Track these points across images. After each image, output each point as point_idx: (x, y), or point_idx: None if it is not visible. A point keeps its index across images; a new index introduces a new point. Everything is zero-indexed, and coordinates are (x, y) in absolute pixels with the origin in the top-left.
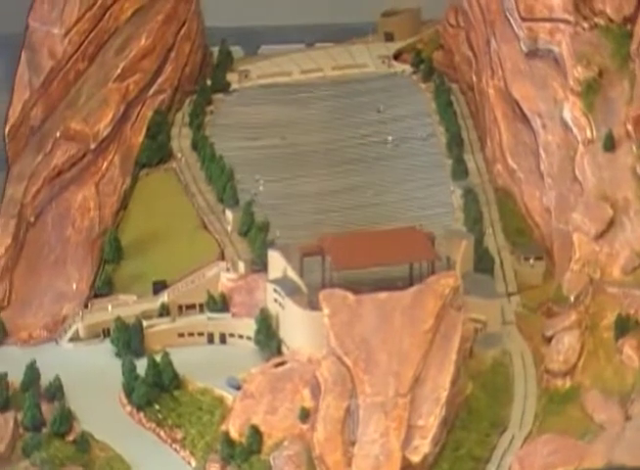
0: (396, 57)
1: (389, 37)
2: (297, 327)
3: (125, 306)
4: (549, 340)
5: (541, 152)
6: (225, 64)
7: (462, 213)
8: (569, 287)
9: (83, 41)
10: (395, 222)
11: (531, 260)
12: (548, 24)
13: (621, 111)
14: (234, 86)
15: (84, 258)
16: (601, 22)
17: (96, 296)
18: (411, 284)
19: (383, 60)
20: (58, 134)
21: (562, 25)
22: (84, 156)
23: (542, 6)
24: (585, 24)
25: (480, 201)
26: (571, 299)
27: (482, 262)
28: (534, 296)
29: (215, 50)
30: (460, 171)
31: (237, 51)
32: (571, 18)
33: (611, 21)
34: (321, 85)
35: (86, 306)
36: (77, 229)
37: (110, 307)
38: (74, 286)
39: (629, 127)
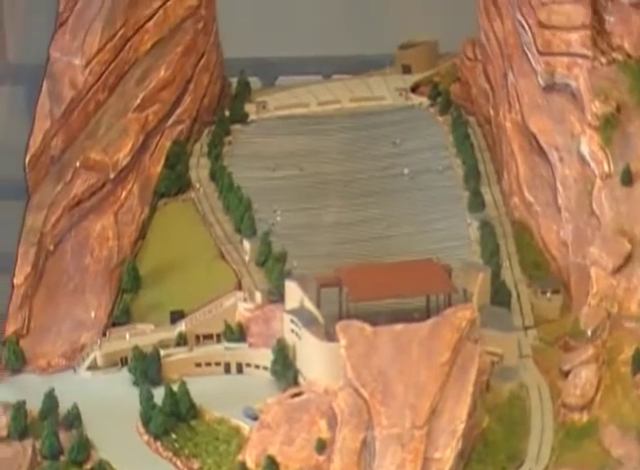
0: (414, 89)
1: (407, 70)
2: (314, 358)
3: (143, 336)
4: (566, 374)
5: (558, 185)
6: (243, 95)
7: (479, 246)
8: (586, 321)
9: (104, 72)
10: (412, 254)
11: (548, 294)
12: (566, 59)
13: (639, 146)
14: (252, 117)
15: (103, 287)
16: (619, 57)
17: (114, 324)
18: (428, 316)
19: (400, 92)
20: (78, 164)
21: (579, 60)
22: (103, 185)
23: (560, 41)
24: (603, 59)
25: (496, 233)
26: (589, 333)
27: (499, 295)
28: (551, 329)
29: (234, 81)
30: (477, 204)
31: (255, 82)
32: (588, 53)
33: (629, 56)
34: (338, 117)
35: (104, 335)
36: (96, 258)
37: (127, 336)
38: (93, 314)
39: None
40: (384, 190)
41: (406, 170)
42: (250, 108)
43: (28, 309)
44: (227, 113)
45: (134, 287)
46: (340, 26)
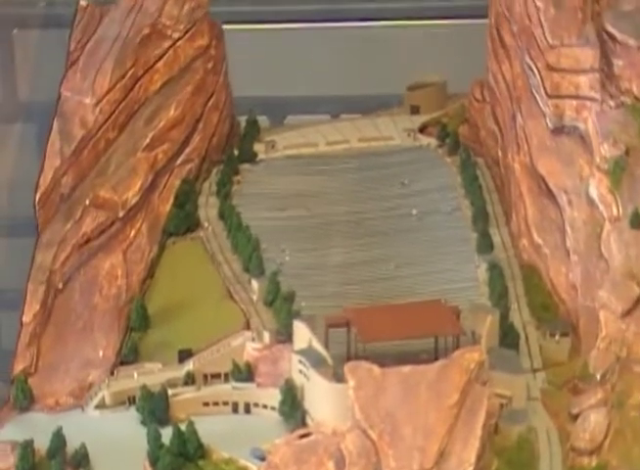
0: (422, 130)
1: (415, 110)
2: (322, 399)
3: (151, 374)
4: (575, 417)
5: (567, 228)
6: (252, 134)
7: (487, 288)
8: (595, 365)
9: (114, 111)
10: (420, 296)
11: (557, 337)
12: (574, 102)
13: None
14: (261, 156)
15: (111, 326)
16: (627, 100)
17: (122, 363)
18: (436, 358)
19: (408, 133)
20: (87, 202)
21: (588, 103)
22: (113, 224)
23: (568, 83)
24: (612, 103)
25: (505, 275)
26: (598, 377)
27: (508, 337)
28: (560, 372)
29: (242, 119)
30: (485, 245)
31: (263, 120)
32: (597, 95)
33: (637, 99)
34: (347, 157)
35: (112, 374)
36: (105, 296)
37: (135, 375)
38: (101, 353)
39: None
40: (392, 230)
41: (414, 211)
42: (259, 147)
43: (37, 348)
44: (236, 152)
45: (142, 326)
46: (348, 66)
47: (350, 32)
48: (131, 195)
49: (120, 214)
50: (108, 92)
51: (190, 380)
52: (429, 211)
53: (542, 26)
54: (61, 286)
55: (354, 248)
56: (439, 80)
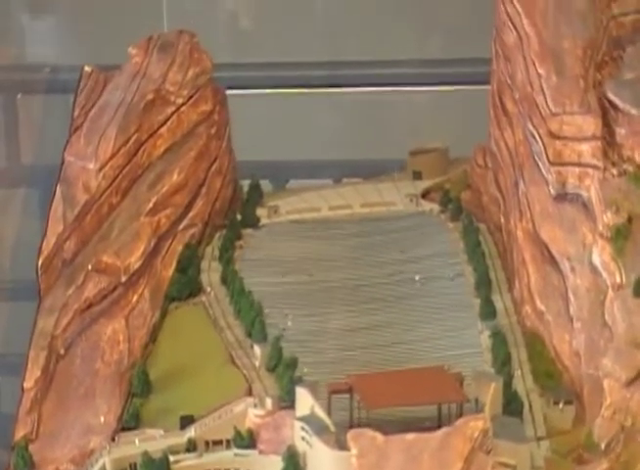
0: (424, 195)
1: (418, 176)
2: (325, 466)
3: (152, 441)
4: None
5: (570, 295)
6: (255, 198)
7: (490, 355)
8: (599, 434)
9: (117, 176)
10: (423, 362)
11: (561, 405)
12: (577, 169)
13: None
14: (263, 221)
15: (112, 391)
16: (630, 168)
17: (123, 429)
18: (439, 425)
19: (411, 198)
20: (90, 267)
21: (590, 171)
22: (115, 289)
23: (571, 151)
24: (614, 171)
25: (508, 342)
26: (602, 446)
27: (511, 405)
28: (564, 441)
29: (245, 183)
30: (488, 312)
31: (265, 184)
32: (599, 163)
33: (639, 167)
34: (349, 222)
35: (113, 440)
36: (106, 362)
37: (137, 441)
38: (102, 419)
39: None
40: (394, 296)
41: (417, 277)
42: (261, 212)
43: (38, 414)
44: (239, 216)
45: (144, 391)
46: (350, 131)
47: (353, 98)
48: (134, 260)
49: (123, 279)
50: (111, 157)
51: (192, 446)
52: (431, 277)
53: (544, 94)
54: (62, 352)
55: (357, 314)
56: (442, 146)
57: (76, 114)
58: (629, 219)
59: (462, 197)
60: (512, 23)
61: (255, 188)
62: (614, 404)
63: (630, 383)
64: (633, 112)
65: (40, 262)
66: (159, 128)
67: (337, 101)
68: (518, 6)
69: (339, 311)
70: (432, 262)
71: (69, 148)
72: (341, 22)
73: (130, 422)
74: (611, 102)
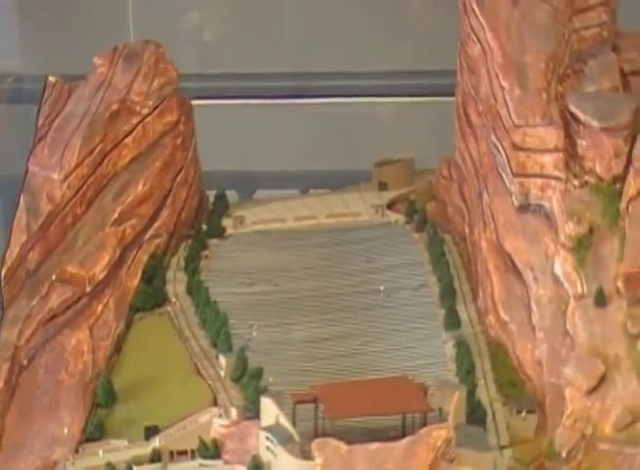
0: (390, 206)
1: (383, 187)
2: None
3: (116, 452)
4: None
5: (533, 305)
6: (221, 209)
7: (454, 364)
8: (561, 442)
9: (82, 186)
10: (387, 371)
11: (524, 413)
12: (539, 181)
13: (612, 268)
14: (229, 232)
15: (76, 403)
16: (591, 180)
17: (87, 440)
18: (403, 434)
19: (376, 209)
20: (54, 277)
21: (553, 182)
22: (79, 299)
23: (533, 162)
24: (576, 182)
25: (472, 352)
26: (564, 454)
27: (475, 414)
28: (526, 450)
29: (211, 194)
30: (452, 322)
31: (232, 195)
32: (561, 175)
33: (600, 179)
34: (315, 233)
35: (77, 451)
36: (71, 373)
37: (101, 452)
38: (66, 430)
39: (619, 284)
40: (359, 306)
41: (382, 287)
42: (227, 222)
43: (1, 425)
44: (205, 227)
45: (109, 402)
46: (317, 142)
47: (319, 109)
48: (98, 270)
49: (87, 290)
50: (76, 167)
51: (156, 457)
52: (396, 288)
53: (507, 106)
54: (26, 362)
55: (322, 323)
56: (407, 157)
57: (40, 124)
58: (590, 230)
59: (427, 208)
60: (476, 36)
61: (221, 198)
62: (575, 413)
63: (591, 392)
64: (594, 124)
65: (3, 273)
66: (124, 138)
67: (303, 112)
68: (482, 19)
69: (304, 322)
70: (397, 273)
71: (33, 158)
72: (308, 33)
73: (94, 433)
74: (573, 114)
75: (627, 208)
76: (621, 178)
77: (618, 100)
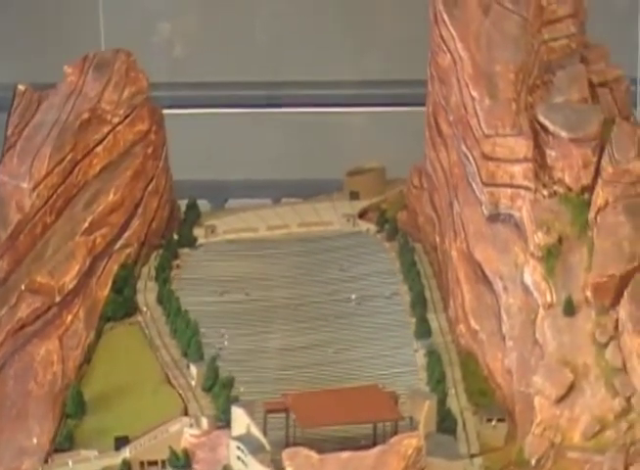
0: (361, 215)
1: (355, 196)
2: None
3: (86, 462)
4: None
5: (502, 314)
6: (192, 218)
7: (425, 373)
8: (530, 450)
9: (52, 195)
10: (359, 380)
11: (494, 422)
12: (509, 190)
13: (581, 277)
14: (200, 241)
15: (46, 413)
16: (560, 190)
17: (57, 451)
18: (375, 443)
19: (348, 218)
20: (23, 287)
21: (522, 192)
22: (49, 309)
23: (503, 172)
24: (545, 192)
25: (443, 361)
26: (533, 462)
27: (445, 423)
28: (496, 458)
29: (182, 203)
30: (423, 331)
31: (204, 204)
32: (531, 185)
33: (569, 189)
34: (287, 242)
35: (46, 462)
36: (40, 383)
37: (70, 463)
38: (35, 441)
39: (588, 294)
40: (331, 315)
41: (353, 296)
42: (198, 232)
43: None
44: (176, 236)
45: (78, 412)
46: (288, 151)
47: (290, 118)
48: (68, 280)
49: (57, 300)
50: (45, 176)
51: (126, 467)
52: (367, 296)
53: (477, 116)
54: None
55: (294, 332)
56: (378, 166)
57: (10, 132)
58: (560, 240)
59: (398, 217)
60: (446, 47)
61: (193, 208)
62: (544, 422)
63: (560, 400)
64: (563, 134)
65: None
66: (94, 147)
67: (275, 121)
68: (452, 29)
69: (276, 331)
70: (369, 281)
71: (2, 167)
72: (279, 42)
73: (64, 443)
74: (542, 125)
75: (596, 218)
76: (590, 188)
77: (587, 111)
